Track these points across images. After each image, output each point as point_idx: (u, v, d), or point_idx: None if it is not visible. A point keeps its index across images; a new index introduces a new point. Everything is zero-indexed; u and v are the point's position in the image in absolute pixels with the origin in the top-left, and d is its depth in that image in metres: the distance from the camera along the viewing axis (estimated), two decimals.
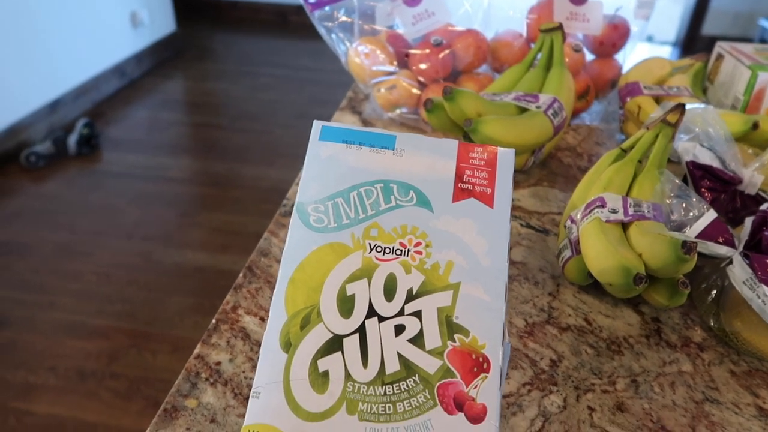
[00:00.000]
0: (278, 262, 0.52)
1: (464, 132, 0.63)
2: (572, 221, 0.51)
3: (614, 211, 0.48)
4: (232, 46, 3.65)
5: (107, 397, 1.38)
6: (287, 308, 0.29)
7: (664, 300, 0.44)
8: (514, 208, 0.61)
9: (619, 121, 0.76)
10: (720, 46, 0.75)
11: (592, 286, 0.50)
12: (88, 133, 2.37)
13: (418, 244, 0.30)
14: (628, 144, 0.54)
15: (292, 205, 0.61)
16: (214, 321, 0.45)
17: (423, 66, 0.74)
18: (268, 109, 2.85)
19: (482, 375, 0.27)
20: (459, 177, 0.31)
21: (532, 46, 0.74)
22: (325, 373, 0.27)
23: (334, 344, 0.28)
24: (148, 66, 3.18)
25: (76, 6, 2.59)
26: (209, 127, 2.68)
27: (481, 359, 0.27)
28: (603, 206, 0.48)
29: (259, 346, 0.44)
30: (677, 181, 0.49)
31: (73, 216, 2.01)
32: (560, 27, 0.68)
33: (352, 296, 0.28)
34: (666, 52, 3.97)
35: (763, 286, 0.41)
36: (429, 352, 0.28)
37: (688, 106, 0.58)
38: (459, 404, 0.27)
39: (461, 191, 0.31)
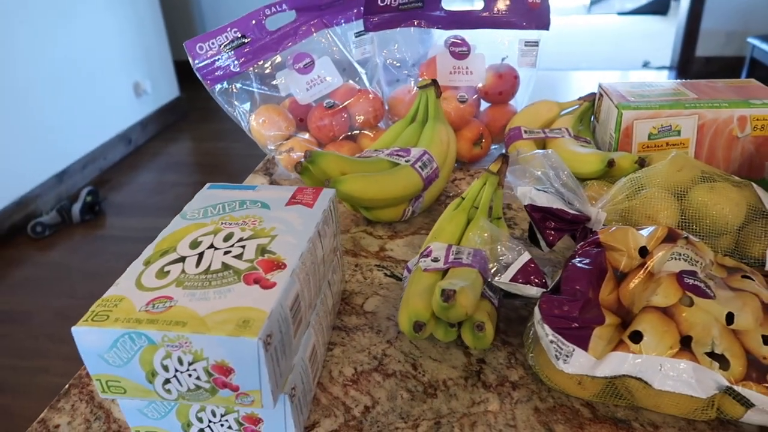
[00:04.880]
0: None
1: None
2: (408, 271, 0.54)
3: (436, 260, 0.51)
4: None
5: None
6: (156, 248, 0.42)
7: (471, 342, 0.47)
8: (384, 258, 0.64)
9: None
10: (601, 86, 0.78)
11: None
12: (91, 200, 2.50)
13: (254, 221, 0.44)
14: (467, 192, 0.57)
15: None
16: (66, 386, 0.50)
17: (319, 126, 0.79)
18: None
19: (278, 270, 0.39)
20: (293, 197, 0.48)
21: None
22: (168, 272, 0.39)
23: (179, 260, 0.40)
24: (154, 131, 3.34)
25: (79, 81, 2.76)
26: None
27: (281, 264, 0.39)
28: (428, 255, 0.51)
29: (101, 409, 0.47)
30: (495, 228, 0.52)
31: (74, 281, 2.11)
32: (433, 83, 0.73)
33: (201, 241, 0.42)
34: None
35: (546, 326, 0.43)
36: (244, 260, 0.40)
37: (534, 151, 0.61)
38: (256, 281, 0.38)
39: (293, 202, 0.48)
